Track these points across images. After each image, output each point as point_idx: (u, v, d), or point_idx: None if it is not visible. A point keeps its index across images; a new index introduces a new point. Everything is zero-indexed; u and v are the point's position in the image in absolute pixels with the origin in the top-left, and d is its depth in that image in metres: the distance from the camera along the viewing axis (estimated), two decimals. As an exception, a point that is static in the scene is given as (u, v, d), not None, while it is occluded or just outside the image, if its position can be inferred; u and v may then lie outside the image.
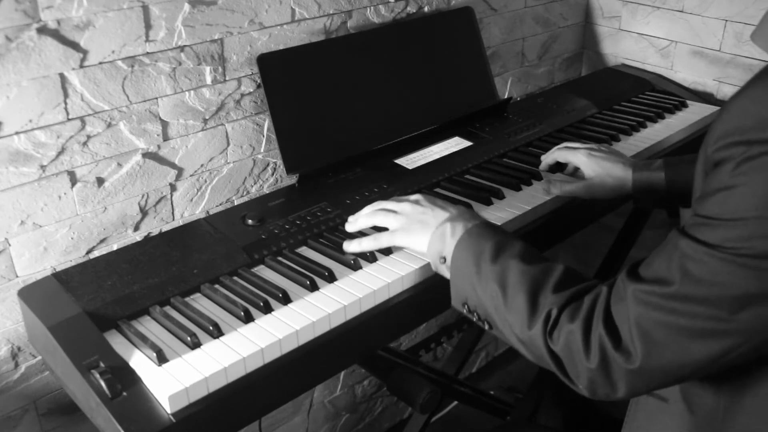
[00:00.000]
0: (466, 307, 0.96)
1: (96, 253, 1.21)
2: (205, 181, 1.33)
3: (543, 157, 1.35)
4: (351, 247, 1.09)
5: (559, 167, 1.35)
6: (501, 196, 1.28)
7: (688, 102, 1.75)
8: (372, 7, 1.48)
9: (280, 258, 1.11)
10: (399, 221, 1.06)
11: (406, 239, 1.05)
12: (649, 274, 0.79)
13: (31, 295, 1.02)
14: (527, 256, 0.91)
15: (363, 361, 1.24)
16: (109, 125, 1.17)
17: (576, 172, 1.32)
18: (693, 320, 0.74)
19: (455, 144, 1.46)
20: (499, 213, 1.22)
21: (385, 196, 1.26)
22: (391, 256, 1.11)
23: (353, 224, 1.12)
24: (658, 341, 0.76)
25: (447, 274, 0.99)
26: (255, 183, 1.41)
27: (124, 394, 0.86)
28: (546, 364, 0.86)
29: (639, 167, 1.22)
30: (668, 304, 0.75)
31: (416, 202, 1.07)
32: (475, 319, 0.95)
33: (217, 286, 1.05)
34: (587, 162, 1.25)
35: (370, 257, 1.09)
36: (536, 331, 0.85)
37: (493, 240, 0.94)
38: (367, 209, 1.12)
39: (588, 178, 1.25)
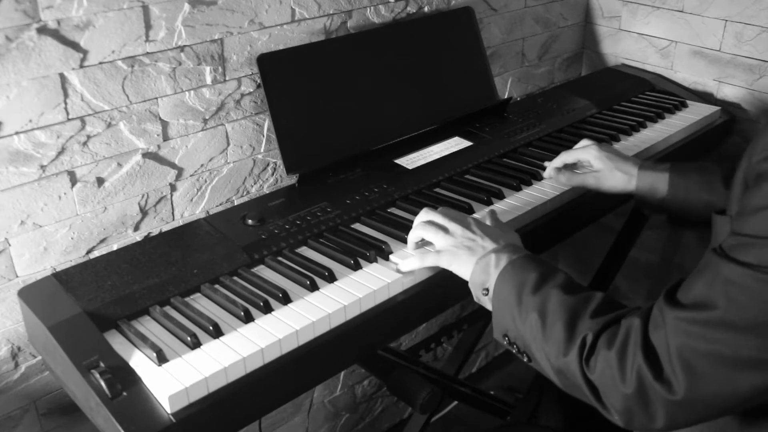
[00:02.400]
0: (507, 338, 0.94)
1: (96, 253, 1.21)
2: (205, 181, 1.33)
3: (548, 166, 1.32)
4: (405, 267, 1.06)
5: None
6: (501, 196, 1.28)
7: (688, 102, 1.75)
8: (372, 7, 1.48)
9: (280, 258, 1.11)
10: (447, 242, 1.03)
11: (450, 263, 1.02)
12: (689, 300, 0.75)
13: (31, 295, 1.02)
14: (568, 287, 0.89)
15: (363, 361, 1.24)
16: (109, 125, 1.17)
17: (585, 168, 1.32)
18: (738, 350, 0.71)
19: (455, 144, 1.46)
20: (499, 213, 1.22)
21: (385, 196, 1.26)
22: (391, 256, 1.11)
23: (409, 237, 1.10)
24: (701, 372, 0.72)
25: (489, 306, 0.97)
26: (255, 183, 1.41)
27: (124, 394, 0.86)
28: (581, 394, 0.84)
29: (645, 166, 1.23)
30: (711, 333, 0.72)
31: (467, 226, 1.04)
32: (515, 351, 0.93)
33: (217, 286, 1.05)
34: (597, 155, 1.26)
35: (370, 257, 1.09)
36: (572, 358, 0.82)
37: (536, 272, 0.91)
38: (421, 216, 1.08)
39: (597, 170, 1.26)
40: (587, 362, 0.81)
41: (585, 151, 1.28)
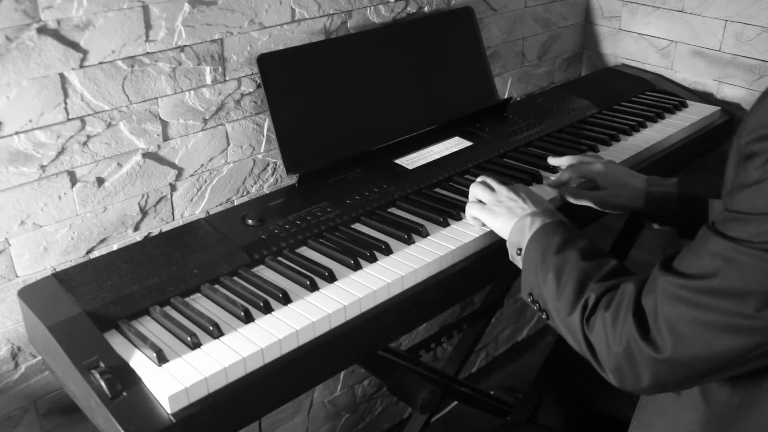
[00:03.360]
0: (531, 296, 0.99)
1: (96, 253, 1.21)
2: (205, 181, 1.33)
3: (553, 178, 1.33)
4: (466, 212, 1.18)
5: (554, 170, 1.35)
6: (501, 196, 1.28)
7: (688, 102, 1.75)
8: (372, 7, 1.48)
9: (280, 258, 1.11)
10: (491, 198, 1.13)
11: (490, 219, 1.11)
12: (679, 268, 0.80)
13: (31, 295, 1.02)
14: (588, 252, 0.94)
15: (363, 361, 1.24)
16: (109, 125, 1.17)
17: (588, 183, 1.30)
18: (719, 315, 0.75)
19: (455, 144, 1.46)
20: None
21: (385, 196, 1.26)
22: (391, 256, 1.11)
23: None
24: (685, 334, 0.77)
25: (521, 265, 1.03)
26: (255, 183, 1.41)
27: (124, 394, 0.86)
28: (583, 351, 0.88)
29: (653, 182, 1.24)
30: (696, 299, 0.76)
31: (514, 189, 1.12)
32: (536, 309, 0.98)
33: (217, 286, 1.05)
34: (604, 173, 1.26)
35: (369, 257, 1.10)
36: (575, 317, 0.88)
37: (563, 235, 0.98)
38: (478, 179, 1.19)
39: (602, 189, 1.25)
40: (587, 322, 0.86)
41: (590, 168, 1.27)
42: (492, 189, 1.14)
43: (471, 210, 1.16)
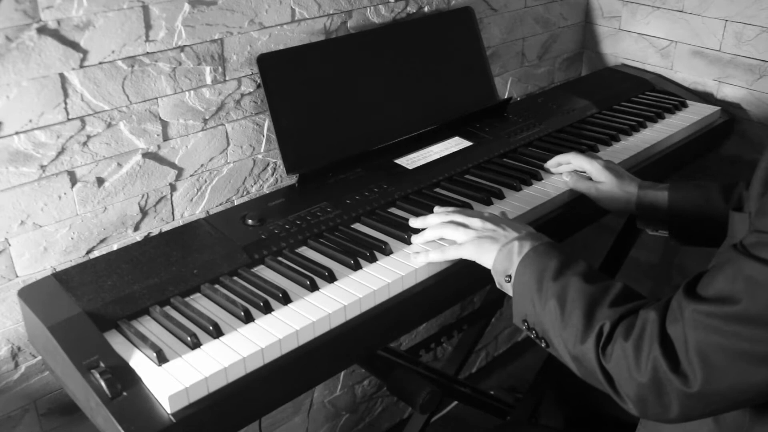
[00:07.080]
0: (525, 324, 0.95)
1: (96, 253, 1.21)
2: (205, 181, 1.33)
3: (554, 161, 1.35)
4: (419, 259, 1.08)
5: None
6: (501, 196, 1.28)
7: (688, 102, 1.75)
8: (372, 7, 1.48)
9: (280, 258, 1.11)
10: (468, 235, 1.05)
11: (474, 252, 1.04)
12: (709, 294, 0.76)
13: (31, 295, 1.02)
14: (589, 275, 0.90)
15: (363, 361, 1.24)
16: (109, 125, 1.17)
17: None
18: (756, 345, 0.72)
19: (455, 144, 1.46)
20: (499, 213, 1.22)
21: (385, 196, 1.26)
22: (391, 256, 1.11)
23: (420, 236, 1.12)
24: (718, 366, 0.74)
25: (510, 292, 0.99)
26: (255, 183, 1.41)
27: (124, 394, 0.86)
28: (597, 381, 0.85)
29: (645, 186, 1.24)
30: (730, 327, 0.73)
31: (491, 219, 1.07)
32: (533, 336, 0.95)
33: (217, 286, 1.05)
34: (602, 172, 1.27)
35: (369, 257, 1.09)
36: (589, 346, 0.84)
37: (558, 258, 0.93)
38: (434, 218, 1.11)
39: (600, 184, 1.27)
40: (603, 351, 0.83)
41: (591, 164, 1.28)
42: (462, 225, 1.07)
43: (448, 253, 1.06)
